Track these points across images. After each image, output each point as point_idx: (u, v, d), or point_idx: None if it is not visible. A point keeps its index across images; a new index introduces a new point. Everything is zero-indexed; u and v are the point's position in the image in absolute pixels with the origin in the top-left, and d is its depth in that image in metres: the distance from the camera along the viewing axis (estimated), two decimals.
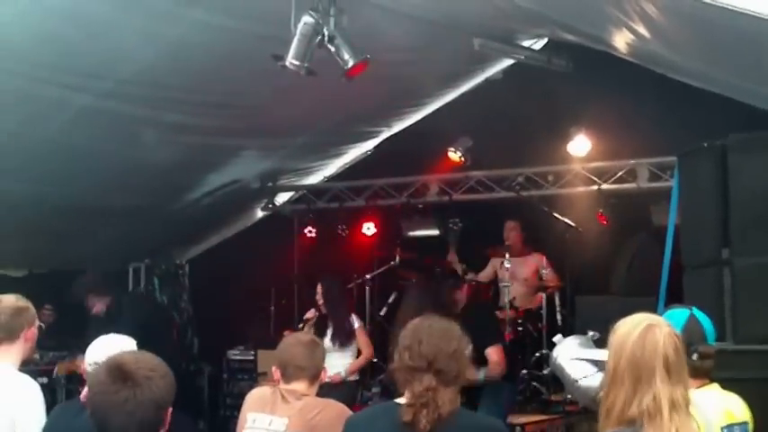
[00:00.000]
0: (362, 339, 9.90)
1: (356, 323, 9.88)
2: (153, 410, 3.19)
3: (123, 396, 3.12)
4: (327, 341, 9.53)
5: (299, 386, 5.45)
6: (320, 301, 9.90)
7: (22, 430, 5.11)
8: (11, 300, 5.54)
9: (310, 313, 9.88)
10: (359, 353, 9.88)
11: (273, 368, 5.62)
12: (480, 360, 8.63)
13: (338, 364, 9.61)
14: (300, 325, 9.92)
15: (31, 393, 5.30)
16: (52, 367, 10.61)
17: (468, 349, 4.26)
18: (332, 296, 9.91)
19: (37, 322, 5.65)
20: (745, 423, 4.37)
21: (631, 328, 3.58)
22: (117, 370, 3.18)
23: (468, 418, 4.23)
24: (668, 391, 3.45)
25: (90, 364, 4.95)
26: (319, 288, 9.97)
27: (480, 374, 8.50)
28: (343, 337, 9.71)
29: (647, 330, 3.54)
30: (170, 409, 3.28)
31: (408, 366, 4.08)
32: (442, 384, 4.03)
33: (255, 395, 5.64)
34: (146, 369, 3.20)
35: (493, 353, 8.78)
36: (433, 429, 3.99)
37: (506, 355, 9.06)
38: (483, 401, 8.72)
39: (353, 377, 9.84)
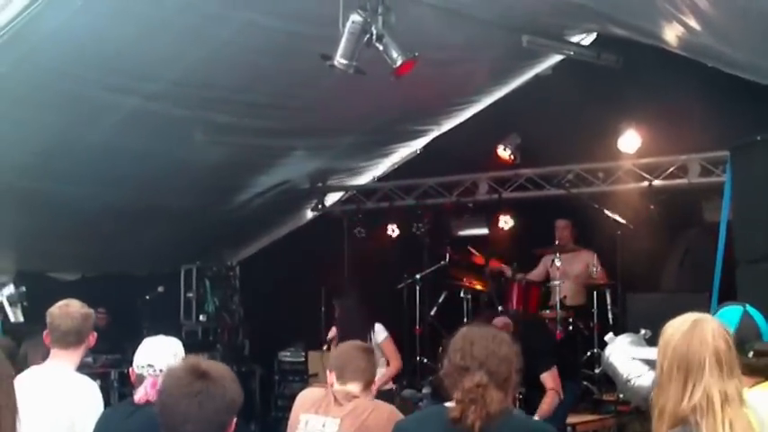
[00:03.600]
0: (389, 351, 9.54)
1: (381, 335, 9.62)
2: (222, 409, 3.27)
3: (197, 388, 3.22)
4: None
5: (354, 388, 5.44)
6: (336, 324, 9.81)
7: (81, 430, 5.18)
8: (78, 305, 5.67)
9: (332, 332, 9.78)
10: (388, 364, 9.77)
11: (328, 371, 5.62)
12: (534, 384, 8.49)
13: None
14: (325, 347, 9.83)
15: (91, 394, 5.43)
16: (106, 370, 10.71)
17: (519, 360, 4.21)
18: (346, 317, 9.75)
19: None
20: None
21: (678, 325, 3.57)
22: (193, 367, 3.30)
23: (517, 420, 4.20)
24: (720, 384, 3.43)
25: (139, 367, 4.99)
26: (336, 309, 9.89)
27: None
28: None
29: (694, 325, 3.54)
30: (235, 419, 3.35)
31: (459, 366, 4.06)
32: (492, 383, 4.00)
33: (307, 396, 5.63)
34: (220, 371, 3.33)
35: (548, 379, 8.56)
36: (481, 426, 3.95)
37: (560, 371, 8.93)
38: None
39: (387, 386, 9.73)
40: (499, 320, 9.36)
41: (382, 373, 9.46)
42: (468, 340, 4.11)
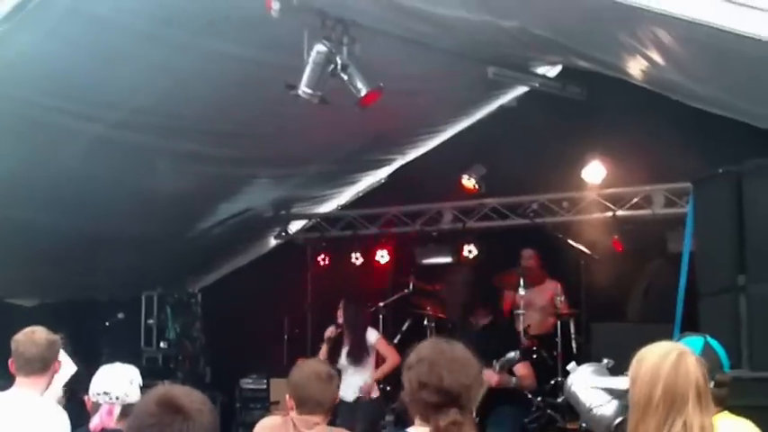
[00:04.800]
0: (384, 349, 10.03)
1: (374, 336, 9.93)
2: None
3: (177, 428, 3.07)
4: (343, 359, 9.59)
5: (314, 418, 5.39)
6: (340, 319, 9.95)
7: None
8: (44, 332, 5.63)
9: (330, 330, 9.93)
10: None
11: (287, 396, 5.56)
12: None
13: (353, 381, 9.69)
14: (323, 345, 9.95)
15: (58, 421, 5.38)
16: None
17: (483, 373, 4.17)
18: (350, 314, 9.95)
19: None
20: None
21: (662, 356, 3.56)
22: (168, 402, 3.13)
23: None
24: (699, 418, 3.44)
25: (95, 395, 4.94)
26: (341, 306, 10.02)
27: (513, 380, 8.52)
28: (358, 355, 9.74)
29: (680, 358, 3.53)
30: None
31: (428, 403, 3.96)
32: (467, 419, 3.93)
33: (266, 425, 5.57)
34: (196, 402, 3.16)
35: (521, 368, 8.72)
36: None
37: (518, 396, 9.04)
38: (490, 424, 8.62)
39: (375, 393, 9.81)
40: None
41: (369, 376, 9.60)
42: (435, 373, 3.91)
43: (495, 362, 8.20)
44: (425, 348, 4.07)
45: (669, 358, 3.54)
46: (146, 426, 3.12)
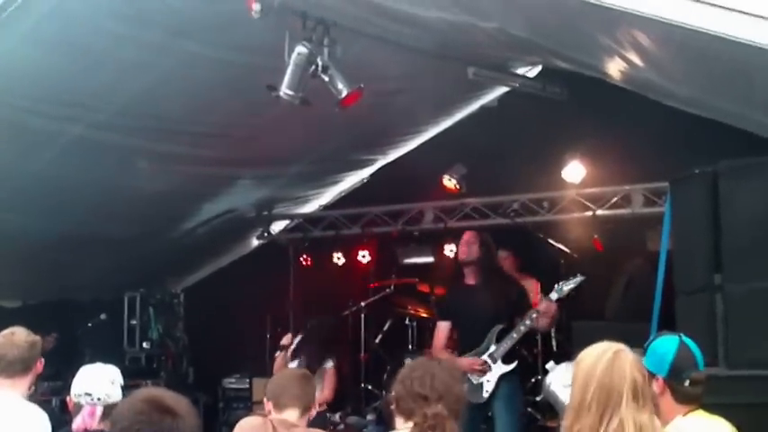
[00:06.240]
0: (328, 381, 9.72)
1: (329, 364, 9.76)
2: None
3: (168, 425, 3.19)
4: None
5: (291, 415, 5.42)
6: (297, 337, 9.89)
7: None
8: (24, 333, 5.65)
9: (286, 339, 9.84)
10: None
11: (265, 400, 5.60)
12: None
13: None
14: (278, 352, 9.86)
15: (38, 423, 5.38)
16: (47, 398, 10.58)
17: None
18: (313, 338, 9.88)
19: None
20: None
21: (598, 356, 3.65)
22: (157, 402, 3.24)
23: None
24: (635, 414, 3.51)
25: (77, 396, 4.95)
26: (307, 326, 9.98)
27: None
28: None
29: (615, 356, 3.61)
30: None
31: (418, 394, 4.08)
32: (451, 416, 4.04)
33: (245, 426, 5.61)
34: (182, 404, 3.30)
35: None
36: None
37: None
38: (499, 395, 8.62)
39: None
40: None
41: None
42: (428, 372, 4.15)
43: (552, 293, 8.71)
44: (419, 360, 4.42)
45: (605, 357, 3.62)
46: (135, 423, 3.20)
